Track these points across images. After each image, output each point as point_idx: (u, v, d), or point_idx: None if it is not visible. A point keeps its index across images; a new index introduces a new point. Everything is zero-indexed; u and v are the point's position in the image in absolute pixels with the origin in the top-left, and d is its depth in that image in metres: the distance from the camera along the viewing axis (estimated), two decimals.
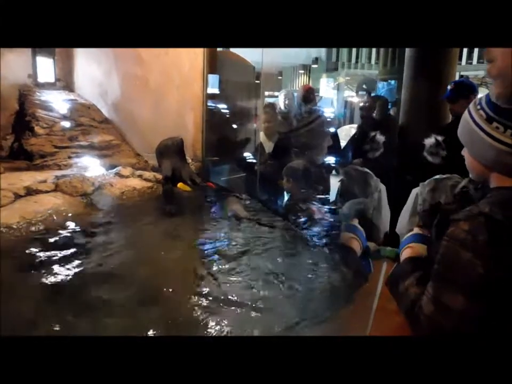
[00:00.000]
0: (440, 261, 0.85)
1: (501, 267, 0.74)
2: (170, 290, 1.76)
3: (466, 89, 2.94)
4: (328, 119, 3.72)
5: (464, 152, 0.95)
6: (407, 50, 3.54)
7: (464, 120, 0.94)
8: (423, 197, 1.52)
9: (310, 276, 1.86)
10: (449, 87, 3.07)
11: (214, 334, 1.32)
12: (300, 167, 2.75)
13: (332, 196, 2.76)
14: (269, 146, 3.57)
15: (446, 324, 0.81)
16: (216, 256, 2.07)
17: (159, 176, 3.48)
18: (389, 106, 4.04)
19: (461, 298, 0.79)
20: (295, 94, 4.12)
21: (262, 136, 3.58)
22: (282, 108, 4.02)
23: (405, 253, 1.25)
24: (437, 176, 1.56)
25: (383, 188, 2.35)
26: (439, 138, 2.66)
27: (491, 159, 0.86)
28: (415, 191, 1.74)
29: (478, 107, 0.90)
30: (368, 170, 2.43)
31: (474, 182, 0.98)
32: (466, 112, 0.94)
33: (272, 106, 4.00)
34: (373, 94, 5.11)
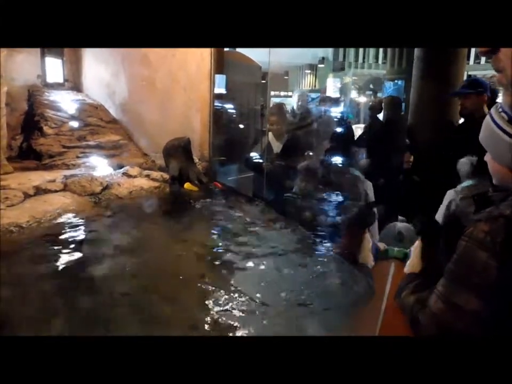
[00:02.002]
0: (456, 260, 0.84)
1: None
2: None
3: (479, 86, 2.94)
4: (332, 119, 3.71)
5: (487, 158, 0.94)
6: (416, 50, 3.53)
7: (486, 124, 0.93)
8: (456, 203, 1.54)
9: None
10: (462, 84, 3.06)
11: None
12: (315, 166, 2.77)
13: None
14: (277, 147, 3.56)
15: (455, 322, 0.80)
16: None
17: (166, 176, 3.49)
18: (402, 106, 4.01)
19: (473, 298, 0.78)
20: (309, 95, 4.11)
21: (270, 136, 3.58)
22: (295, 108, 4.00)
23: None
24: (468, 183, 1.55)
25: (369, 186, 2.43)
26: (474, 159, 2.44)
27: None
28: (450, 194, 1.75)
29: (500, 110, 0.90)
30: (358, 174, 2.50)
31: (497, 188, 0.97)
32: (488, 116, 0.93)
33: (280, 106, 4.00)
34: (384, 94, 5.09)
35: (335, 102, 3.66)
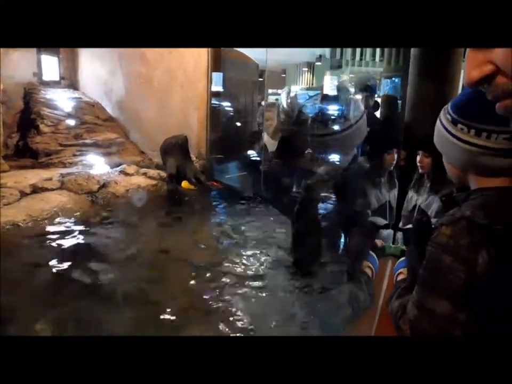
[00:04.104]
0: (425, 265, 0.85)
1: (484, 271, 0.74)
2: None
3: None
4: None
5: (444, 160, 0.96)
6: (412, 48, 3.52)
7: (437, 127, 0.95)
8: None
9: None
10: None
11: None
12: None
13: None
14: (272, 145, 3.55)
15: (430, 328, 0.81)
16: None
17: (164, 174, 3.49)
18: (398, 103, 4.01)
19: (444, 302, 0.79)
20: (298, 92, 4.12)
21: (265, 136, 3.57)
22: (285, 106, 4.00)
23: (398, 279, 1.28)
24: None
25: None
26: None
27: (463, 161, 0.87)
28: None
29: (446, 111, 0.91)
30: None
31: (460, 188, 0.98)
32: (438, 119, 0.95)
33: (275, 105, 4.00)
34: (381, 92, 5.09)
35: (336, 100, 3.64)
